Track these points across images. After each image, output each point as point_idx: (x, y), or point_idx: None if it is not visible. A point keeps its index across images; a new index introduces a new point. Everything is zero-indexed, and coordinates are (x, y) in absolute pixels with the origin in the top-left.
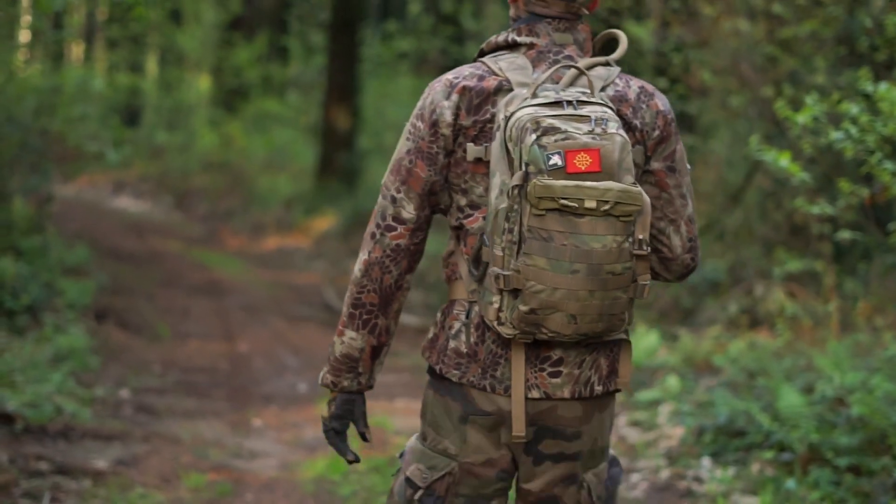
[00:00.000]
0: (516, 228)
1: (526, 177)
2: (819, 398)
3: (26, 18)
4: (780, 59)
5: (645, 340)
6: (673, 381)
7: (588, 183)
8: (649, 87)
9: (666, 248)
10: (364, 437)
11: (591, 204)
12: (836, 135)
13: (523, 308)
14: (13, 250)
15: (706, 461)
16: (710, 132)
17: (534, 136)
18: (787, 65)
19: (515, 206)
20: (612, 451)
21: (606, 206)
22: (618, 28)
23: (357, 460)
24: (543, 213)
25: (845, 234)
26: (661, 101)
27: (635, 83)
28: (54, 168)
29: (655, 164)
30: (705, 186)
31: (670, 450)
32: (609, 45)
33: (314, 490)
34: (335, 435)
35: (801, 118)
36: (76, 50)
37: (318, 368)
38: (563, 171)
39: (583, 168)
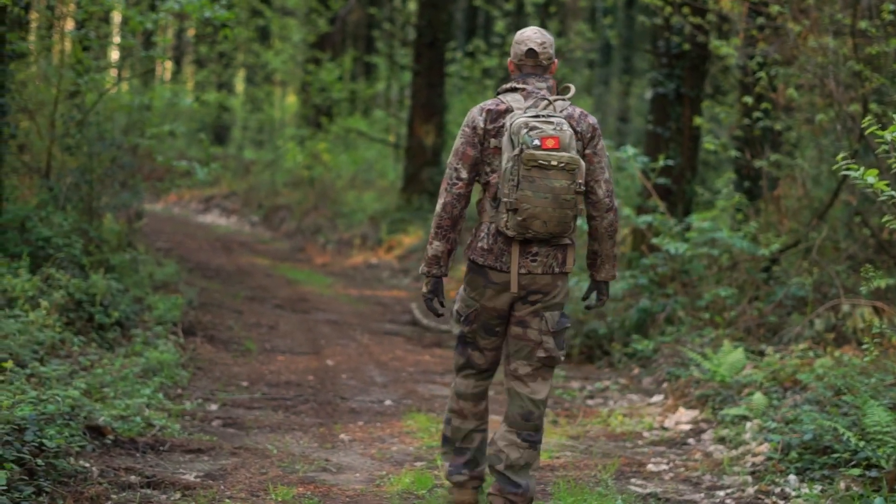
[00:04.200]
0: (516, 178)
1: (521, 151)
2: None
3: (116, 38)
4: (866, 76)
5: (731, 357)
6: (759, 398)
7: (553, 153)
8: (585, 112)
9: (594, 195)
10: (441, 304)
11: (554, 163)
12: None
13: (519, 218)
14: (104, 266)
15: (792, 478)
16: (796, 149)
17: (525, 130)
18: (873, 81)
19: (514, 167)
20: (566, 314)
21: (562, 165)
22: (704, 45)
23: (442, 314)
24: (530, 168)
25: None
26: (591, 119)
27: (578, 109)
28: (144, 185)
29: (587, 151)
30: (791, 203)
31: (756, 466)
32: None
33: None
34: (430, 301)
35: (889, 135)
36: (166, 68)
37: (403, 383)
38: (540, 147)
39: (550, 146)
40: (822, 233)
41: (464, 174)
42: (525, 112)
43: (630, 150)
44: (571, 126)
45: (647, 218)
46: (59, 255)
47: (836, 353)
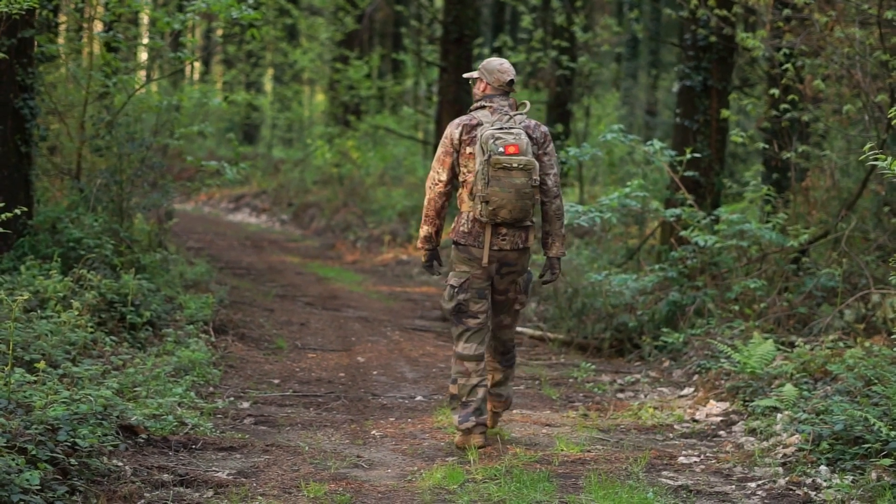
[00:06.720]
0: (486, 177)
1: (489, 157)
2: None
3: (145, 39)
4: (893, 66)
5: (761, 349)
6: (789, 389)
7: (514, 157)
8: (539, 123)
9: (545, 185)
10: (440, 264)
11: (515, 164)
12: None
13: (490, 208)
14: (135, 266)
15: (823, 469)
16: (824, 140)
17: (492, 140)
18: None
19: (485, 168)
20: (529, 270)
21: (521, 166)
22: (731, 38)
23: (439, 274)
24: (497, 169)
25: None
26: (543, 128)
27: (533, 121)
28: (174, 185)
29: (539, 152)
30: (819, 194)
31: (787, 457)
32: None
33: (432, 499)
34: (429, 266)
35: None
36: (194, 68)
37: (434, 379)
38: (503, 153)
39: (511, 152)
40: (851, 223)
41: (443, 177)
42: (493, 125)
43: (657, 144)
44: (528, 134)
45: (676, 211)
46: (90, 256)
47: (867, 344)
